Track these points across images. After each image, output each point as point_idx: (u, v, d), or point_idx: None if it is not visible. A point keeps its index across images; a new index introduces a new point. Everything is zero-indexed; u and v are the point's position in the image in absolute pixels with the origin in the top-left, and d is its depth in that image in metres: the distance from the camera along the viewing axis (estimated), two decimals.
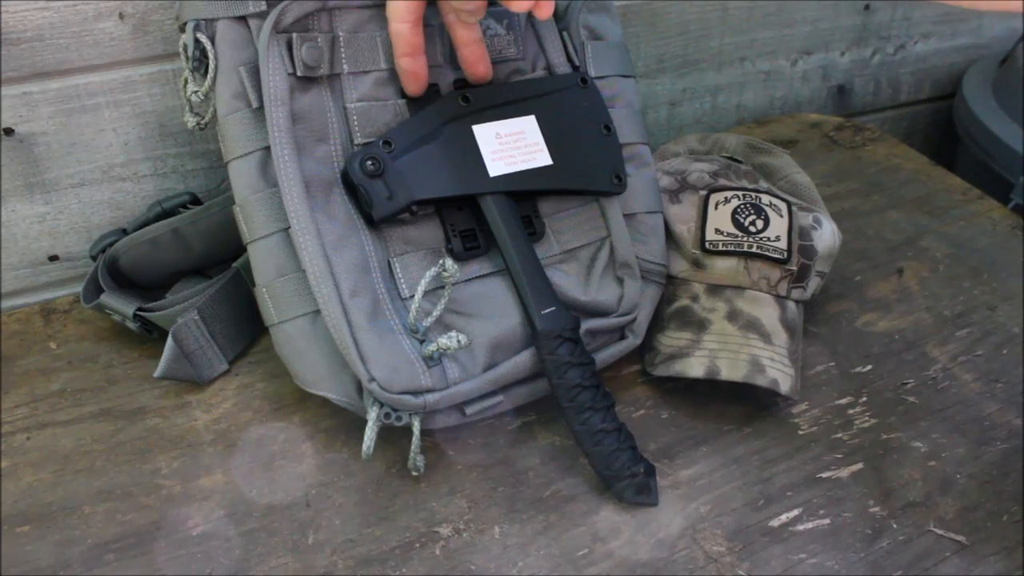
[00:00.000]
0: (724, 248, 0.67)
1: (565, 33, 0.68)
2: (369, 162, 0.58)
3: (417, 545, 0.56)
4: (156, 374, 0.65)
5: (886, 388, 0.68)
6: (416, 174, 0.59)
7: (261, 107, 0.58)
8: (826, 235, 0.70)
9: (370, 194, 0.58)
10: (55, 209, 0.75)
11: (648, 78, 0.95)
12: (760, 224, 0.68)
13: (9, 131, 0.70)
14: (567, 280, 0.63)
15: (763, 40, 0.99)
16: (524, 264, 0.61)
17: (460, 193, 0.61)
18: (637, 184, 0.68)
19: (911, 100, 1.15)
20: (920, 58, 1.11)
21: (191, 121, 0.62)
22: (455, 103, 0.62)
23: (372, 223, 0.59)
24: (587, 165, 0.65)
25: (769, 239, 0.67)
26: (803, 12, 0.99)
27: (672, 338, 0.66)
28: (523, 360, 0.60)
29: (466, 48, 0.61)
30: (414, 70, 0.60)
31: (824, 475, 0.61)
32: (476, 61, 0.62)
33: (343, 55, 0.60)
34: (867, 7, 1.03)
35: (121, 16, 0.70)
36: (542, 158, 0.63)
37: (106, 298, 0.67)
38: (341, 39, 0.60)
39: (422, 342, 0.58)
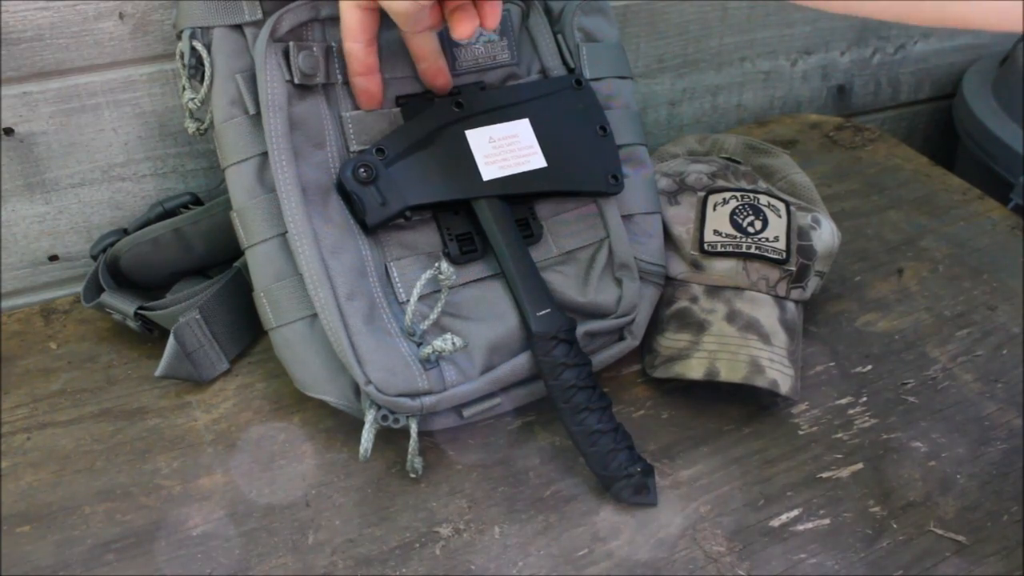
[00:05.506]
0: (723, 249, 0.67)
1: (560, 36, 0.68)
2: (362, 169, 0.58)
3: (417, 545, 0.56)
4: (157, 373, 0.65)
5: (886, 388, 0.68)
6: (409, 180, 0.60)
7: (257, 114, 0.59)
8: (825, 235, 0.70)
9: (363, 201, 0.58)
10: (55, 209, 0.75)
11: (648, 78, 0.95)
12: (758, 225, 0.68)
13: (9, 131, 0.70)
14: (565, 281, 0.63)
15: (763, 40, 0.99)
16: (518, 267, 0.61)
17: (453, 198, 0.61)
18: (635, 185, 0.68)
19: (911, 100, 1.15)
20: (920, 58, 1.11)
21: (191, 127, 0.62)
22: (448, 109, 0.62)
23: (367, 229, 0.60)
24: (582, 166, 0.65)
25: (767, 240, 0.67)
26: (803, 12, 0.99)
27: (671, 340, 0.66)
28: (520, 362, 0.60)
29: (423, 63, 0.61)
30: (367, 87, 0.60)
31: (824, 475, 0.61)
32: (433, 75, 0.62)
33: (337, 66, 0.60)
34: None
35: (121, 16, 0.70)
36: (536, 161, 0.63)
37: (107, 297, 0.68)
38: (335, 49, 0.60)
39: (419, 345, 0.58)
